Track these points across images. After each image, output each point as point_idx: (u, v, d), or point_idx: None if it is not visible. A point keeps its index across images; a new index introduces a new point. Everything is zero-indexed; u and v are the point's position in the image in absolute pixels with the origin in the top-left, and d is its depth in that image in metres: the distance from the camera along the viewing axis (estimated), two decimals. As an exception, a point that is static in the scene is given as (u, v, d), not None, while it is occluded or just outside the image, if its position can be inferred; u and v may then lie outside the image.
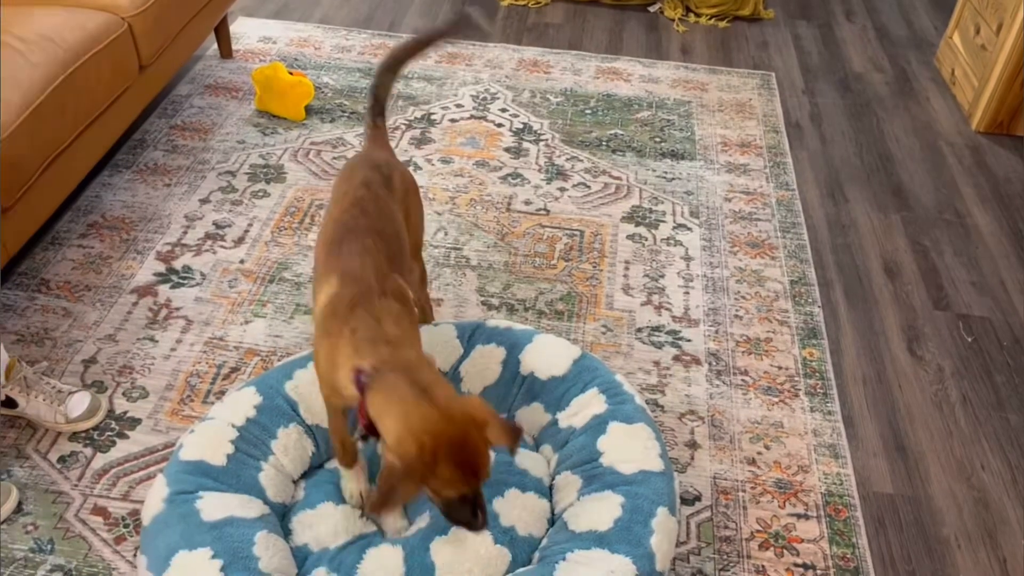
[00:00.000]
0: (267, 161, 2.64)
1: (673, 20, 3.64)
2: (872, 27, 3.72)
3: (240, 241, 2.33)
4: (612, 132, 2.90)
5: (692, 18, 3.67)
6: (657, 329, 2.15)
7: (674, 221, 2.52)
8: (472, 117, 2.93)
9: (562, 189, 2.62)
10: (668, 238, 2.45)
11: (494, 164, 2.70)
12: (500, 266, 2.32)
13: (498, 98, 3.04)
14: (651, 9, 3.71)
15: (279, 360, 1.96)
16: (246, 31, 3.33)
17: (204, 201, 2.47)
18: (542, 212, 2.52)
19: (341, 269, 1.39)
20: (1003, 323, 2.25)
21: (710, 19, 3.66)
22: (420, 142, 2.78)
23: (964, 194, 2.72)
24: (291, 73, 2.81)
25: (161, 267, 2.23)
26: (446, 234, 2.41)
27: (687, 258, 2.39)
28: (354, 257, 1.40)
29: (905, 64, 3.45)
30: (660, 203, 2.59)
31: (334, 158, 2.67)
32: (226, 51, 3.13)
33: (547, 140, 2.83)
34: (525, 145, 2.80)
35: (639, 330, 2.15)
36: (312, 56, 3.20)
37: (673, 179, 2.69)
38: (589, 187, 2.64)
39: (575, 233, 2.45)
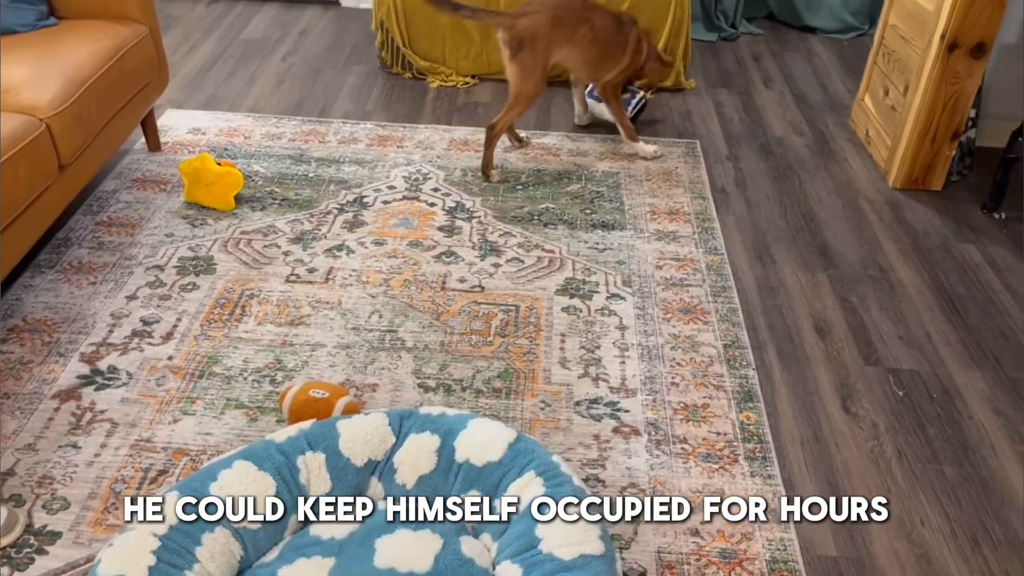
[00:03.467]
0: (196, 253, 2.61)
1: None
2: (789, 92, 3.88)
3: (168, 337, 2.28)
4: (543, 206, 2.94)
5: (618, 91, 3.79)
6: (595, 401, 2.15)
7: (607, 291, 2.54)
8: (405, 198, 2.95)
9: (496, 265, 2.63)
10: (602, 308, 2.47)
11: (428, 243, 2.71)
12: (436, 346, 2.30)
13: (430, 178, 3.07)
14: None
15: (209, 459, 1.90)
16: (175, 123, 3.32)
17: (131, 298, 2.42)
18: (477, 289, 2.52)
19: None
20: (932, 375, 2.30)
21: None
22: (353, 225, 2.78)
23: (886, 249, 2.81)
24: (219, 163, 2.81)
25: (85, 369, 2.16)
26: (380, 317, 2.39)
27: (622, 327, 2.40)
28: None
29: (823, 127, 3.59)
30: (593, 274, 2.61)
31: (265, 247, 2.65)
32: (154, 144, 3.12)
33: (480, 217, 2.86)
34: (458, 223, 2.82)
35: (577, 403, 2.14)
36: (242, 145, 3.21)
37: (605, 249, 2.73)
38: (523, 261, 2.65)
39: (511, 308, 2.45)
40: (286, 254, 2.63)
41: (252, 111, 3.45)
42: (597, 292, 2.54)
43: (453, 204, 2.93)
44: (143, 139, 3.14)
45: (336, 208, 2.87)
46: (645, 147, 3.27)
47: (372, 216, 2.84)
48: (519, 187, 3.05)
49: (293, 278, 2.53)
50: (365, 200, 2.92)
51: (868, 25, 4.52)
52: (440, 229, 2.79)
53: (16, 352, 2.21)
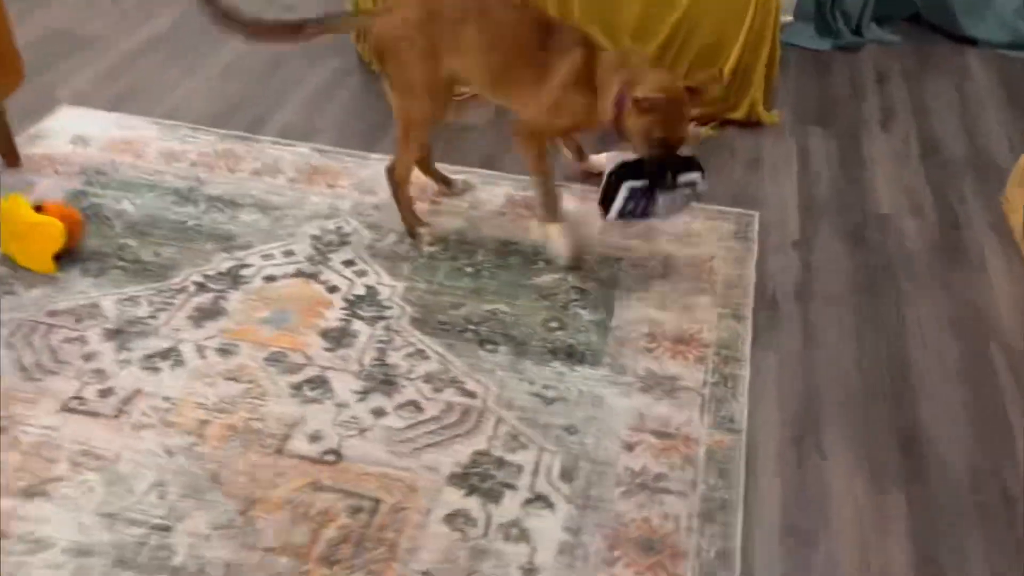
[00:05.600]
0: (-31, 342, 1.85)
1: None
2: (916, 139, 2.72)
3: None
4: (492, 308, 2.00)
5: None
6: None
7: (530, 489, 1.60)
8: (300, 274, 2.07)
9: (378, 412, 1.73)
10: (510, 524, 1.54)
11: (295, 361, 1.84)
12: (218, 571, 1.45)
13: (349, 242, 2.18)
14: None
15: None
16: (61, 128, 2.54)
17: None
18: (329, 459, 1.64)
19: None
20: None
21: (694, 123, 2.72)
22: (205, 316, 1.94)
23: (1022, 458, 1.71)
24: (41, 206, 2.02)
25: None
26: (162, 497, 1.55)
27: (529, 570, 1.47)
28: None
29: (957, 202, 2.44)
30: (520, 448, 1.67)
31: (65, 341, 1.85)
32: (10, 158, 2.37)
33: (391, 319, 1.96)
34: (355, 327, 1.93)
35: None
36: (125, 167, 2.39)
37: (554, 401, 1.77)
38: (422, 410, 1.74)
39: (366, 505, 1.56)
40: (87, 358, 1.83)
41: (166, 116, 2.62)
42: (513, 488, 1.61)
43: (362, 292, 2.03)
44: (-1, 150, 2.39)
45: (197, 283, 2.03)
46: (557, 240, 2.12)
47: (239, 302, 1.98)
48: (468, 269, 2.12)
49: (74, 404, 1.73)
50: (243, 273, 2.07)
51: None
52: (325, 335, 1.91)
53: None
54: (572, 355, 1.89)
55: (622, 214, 2.00)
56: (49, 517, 1.51)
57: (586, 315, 1.99)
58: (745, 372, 1.86)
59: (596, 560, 1.49)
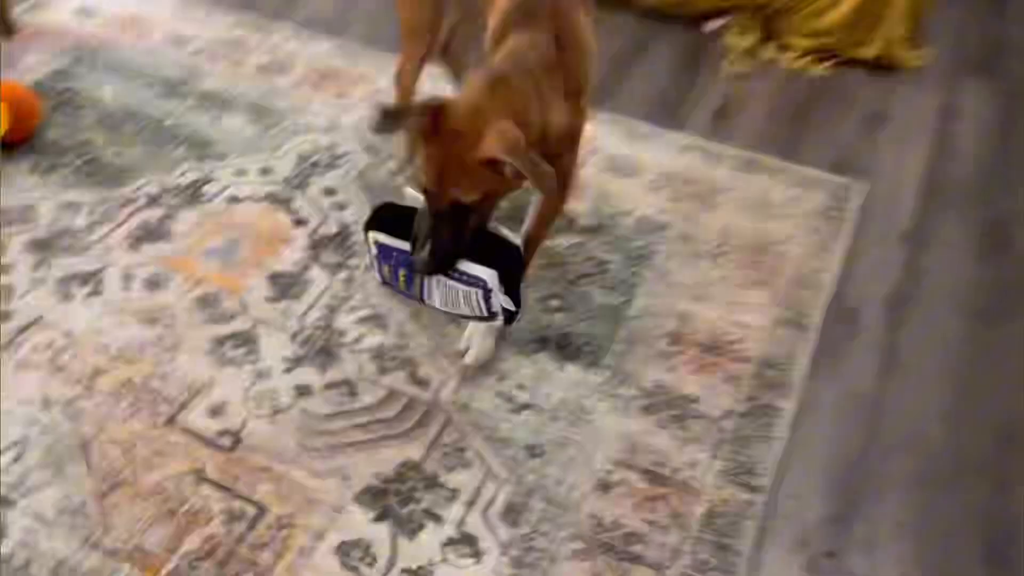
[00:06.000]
0: None
1: (730, 54, 2.17)
2: (1113, 107, 2.05)
3: None
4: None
5: (770, 52, 2.17)
6: None
7: (458, 526, 1.23)
8: (268, 198, 1.73)
9: (303, 391, 1.39)
10: (417, 570, 1.18)
11: (226, 309, 1.51)
12: (45, 569, 1.17)
13: (338, 166, 1.81)
14: (707, 28, 2.25)
15: None
16: (68, -5, 2.28)
17: None
18: (224, 443, 1.32)
19: None
20: None
21: (802, 57, 2.15)
22: (145, 237, 1.63)
23: None
24: (-8, 86, 1.75)
25: None
26: (17, 459, 1.28)
27: (422, 642, 1.12)
28: None
29: None
30: (462, 467, 1.29)
31: (-17, 248, 1.60)
32: (2, 28, 2.11)
33: (355, 269, 1.59)
34: (311, 275, 1.58)
35: None
36: (124, 47, 2.09)
37: (524, 408, 1.37)
38: (355, 394, 1.38)
39: (248, 511, 1.23)
40: (4, 269, 1.57)
41: (189, -9, 2.31)
42: (437, 520, 1.24)
43: (333, 230, 1.67)
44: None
45: (150, 195, 1.72)
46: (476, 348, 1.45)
47: (189, 225, 1.66)
48: (471, 218, 1.72)
49: (-33, 324, 1.48)
50: (205, 189, 1.74)
51: None
52: (273, 280, 1.57)
53: None
54: (566, 348, 1.47)
55: (383, 278, 1.36)
56: None
57: (599, 296, 1.56)
58: (790, 406, 1.39)
59: (515, 643, 1.12)
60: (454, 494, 1.26)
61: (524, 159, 1.14)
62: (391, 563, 1.19)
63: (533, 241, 1.42)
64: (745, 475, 1.30)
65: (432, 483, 1.28)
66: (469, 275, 1.25)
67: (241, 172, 1.78)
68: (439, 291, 1.29)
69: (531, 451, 1.32)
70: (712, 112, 2.00)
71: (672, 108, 2.01)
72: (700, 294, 1.56)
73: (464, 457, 1.31)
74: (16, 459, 1.29)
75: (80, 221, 1.66)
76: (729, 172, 1.82)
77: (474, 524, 1.23)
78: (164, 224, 1.67)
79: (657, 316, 1.52)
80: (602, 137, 1.88)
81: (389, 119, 1.21)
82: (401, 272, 1.30)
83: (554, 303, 1.54)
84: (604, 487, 1.28)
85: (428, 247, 1.21)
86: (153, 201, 1.71)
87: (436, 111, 1.19)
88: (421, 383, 1.41)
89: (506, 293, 1.26)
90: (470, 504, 1.25)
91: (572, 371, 1.43)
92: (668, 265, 1.62)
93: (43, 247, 1.61)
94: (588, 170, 1.78)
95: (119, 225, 1.66)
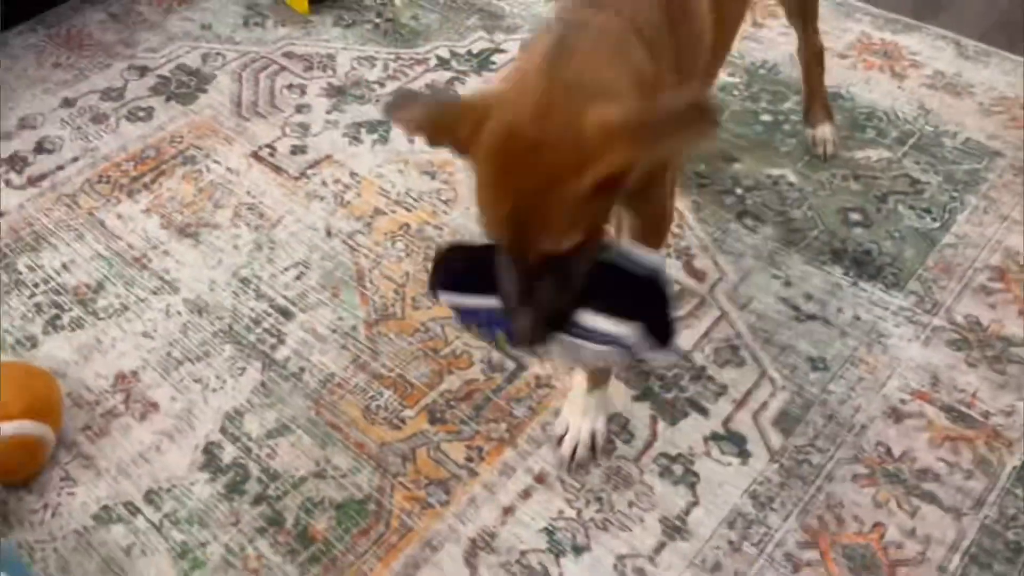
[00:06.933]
0: (204, 65, 1.73)
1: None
2: None
3: (35, 181, 1.51)
4: (775, 173, 1.43)
5: None
6: None
7: (724, 423, 1.12)
8: (556, 73, 1.68)
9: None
10: (676, 457, 1.09)
11: (505, 171, 1.49)
12: (316, 379, 1.20)
13: (628, 51, 1.72)
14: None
15: None
16: None
17: (68, 103, 1.67)
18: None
19: None
20: None
21: None
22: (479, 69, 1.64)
23: None
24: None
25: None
26: (299, 277, 1.33)
27: (670, 528, 1.03)
28: None
29: None
30: (734, 365, 1.18)
31: (288, 86, 1.67)
32: None
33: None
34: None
35: None
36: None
37: (811, 318, 1.23)
38: (627, 274, 1.32)
39: (509, 364, 1.20)
40: (300, 109, 1.63)
41: None
42: (702, 412, 1.14)
43: (618, 111, 1.59)
44: None
45: (441, 58, 1.73)
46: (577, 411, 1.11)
47: (475, 87, 1.65)
48: (765, 117, 1.54)
49: (264, 152, 1.55)
50: (494, 59, 1.72)
51: None
52: (552, 151, 1.53)
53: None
54: (864, 264, 1.31)
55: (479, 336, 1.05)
56: (189, 262, 1.37)
57: (910, 218, 1.37)
58: None
59: (764, 562, 1.01)
60: (723, 389, 1.16)
61: (659, 132, 0.72)
62: (648, 444, 1.12)
63: None
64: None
65: (700, 375, 1.18)
66: (598, 332, 0.83)
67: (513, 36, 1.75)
68: (559, 348, 0.86)
69: (813, 363, 1.19)
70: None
71: (1012, 30, 1.73)
72: (1010, 251, 1.34)
73: (738, 355, 1.20)
74: (298, 277, 1.34)
75: (374, 74, 1.70)
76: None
77: (743, 423, 1.13)
78: (451, 86, 1.67)
79: (978, 247, 1.32)
80: (925, 52, 1.66)
81: (398, 108, 0.81)
82: (498, 334, 0.89)
83: (855, 216, 1.37)
84: (896, 416, 1.13)
85: (523, 312, 0.79)
86: (442, 63, 1.72)
87: (478, 117, 0.75)
88: (697, 275, 1.31)
89: (657, 346, 0.83)
90: (739, 403, 1.15)
91: (869, 289, 1.27)
92: (997, 195, 1.40)
93: (338, 92, 1.66)
94: (908, 83, 1.58)
95: (409, 81, 1.68)
